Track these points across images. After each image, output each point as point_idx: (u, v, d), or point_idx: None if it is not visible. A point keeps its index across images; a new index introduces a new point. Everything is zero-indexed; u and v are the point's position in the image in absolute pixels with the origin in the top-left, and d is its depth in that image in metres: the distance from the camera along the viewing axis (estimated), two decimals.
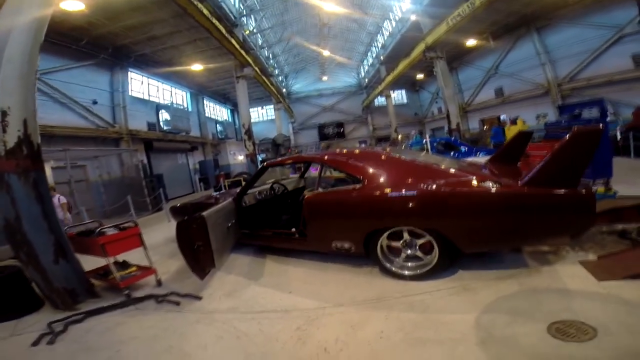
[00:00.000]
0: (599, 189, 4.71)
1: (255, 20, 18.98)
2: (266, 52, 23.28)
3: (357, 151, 4.15)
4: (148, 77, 16.29)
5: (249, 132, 14.81)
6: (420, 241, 3.00)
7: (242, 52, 13.98)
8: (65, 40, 10.95)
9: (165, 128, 16.43)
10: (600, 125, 2.70)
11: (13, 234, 3.24)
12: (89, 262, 3.77)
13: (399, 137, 22.83)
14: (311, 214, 3.47)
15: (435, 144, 10.04)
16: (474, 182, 2.84)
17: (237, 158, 21.87)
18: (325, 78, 30.58)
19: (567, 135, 2.47)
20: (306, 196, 3.53)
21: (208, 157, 20.77)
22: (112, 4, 10.11)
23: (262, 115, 31.38)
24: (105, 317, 3.06)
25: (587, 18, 13.63)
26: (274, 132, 25.78)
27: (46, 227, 3.37)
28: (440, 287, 2.79)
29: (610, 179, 4.95)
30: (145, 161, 14.18)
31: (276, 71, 27.06)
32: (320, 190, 3.61)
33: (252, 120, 16.77)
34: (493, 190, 2.70)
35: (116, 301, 3.30)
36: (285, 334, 2.37)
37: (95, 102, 12.44)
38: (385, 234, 3.09)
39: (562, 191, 2.47)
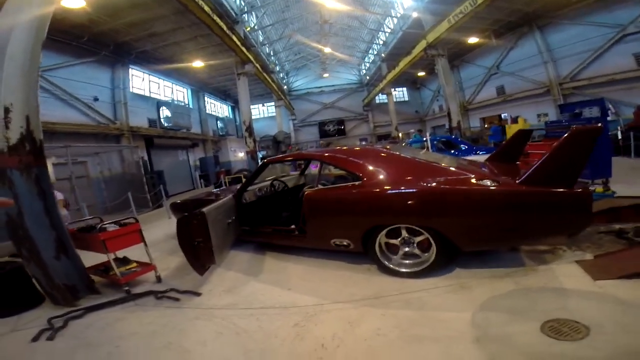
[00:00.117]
0: (598, 188, 4.73)
1: (257, 17, 18.94)
2: (267, 49, 23.23)
3: (356, 149, 4.17)
4: (149, 74, 16.29)
5: (249, 129, 14.82)
6: (418, 239, 3.02)
7: (243, 49, 13.95)
8: (66, 37, 10.94)
9: (166, 125, 16.44)
10: (599, 124, 2.71)
11: (15, 230, 3.26)
12: (90, 258, 3.79)
13: (400, 135, 22.85)
14: (311, 210, 3.49)
15: (435, 142, 10.04)
16: (473, 180, 2.86)
17: (238, 155, 21.90)
18: (326, 75, 30.51)
19: (566, 134, 2.48)
20: (306, 193, 3.55)
21: (209, 153, 20.80)
22: (113, 1, 10.10)
23: (262, 112, 31.35)
24: (105, 312, 3.09)
25: (590, 17, 13.59)
26: (275, 129, 25.80)
27: (48, 223, 3.39)
28: (438, 285, 2.81)
29: (609, 179, 4.96)
30: (146, 158, 14.22)
31: (277, 68, 27.00)
32: (320, 187, 3.63)
33: (253, 117, 16.78)
34: (491, 188, 2.71)
35: (116, 297, 3.33)
36: (284, 330, 2.40)
37: (96, 99, 12.45)
38: (384, 232, 3.11)
39: (558, 190, 2.49)
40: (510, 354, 1.85)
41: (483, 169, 3.54)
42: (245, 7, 16.90)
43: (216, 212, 3.60)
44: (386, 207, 3.09)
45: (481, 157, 5.65)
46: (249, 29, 17.17)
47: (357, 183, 3.29)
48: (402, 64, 19.32)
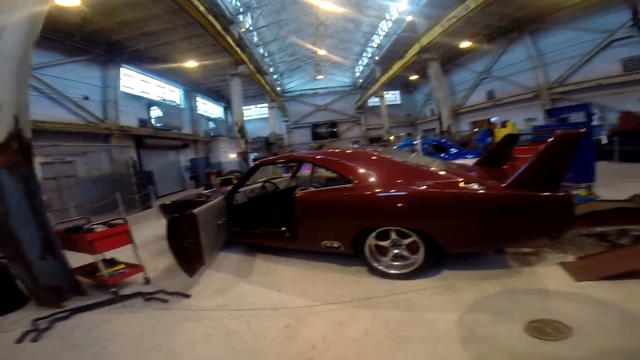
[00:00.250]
0: (581, 192, 4.85)
1: (252, 17, 18.90)
2: (261, 50, 23.19)
3: (348, 151, 4.20)
4: (141, 73, 16.09)
5: (241, 130, 14.76)
6: (406, 241, 3.06)
7: (238, 49, 13.91)
8: (58, 35, 10.78)
9: (156, 125, 16.25)
10: (583, 129, 2.80)
11: (0, 230, 3.20)
12: (76, 259, 3.73)
13: (391, 138, 23.05)
14: (302, 212, 3.51)
15: (426, 146, 10.16)
16: (461, 184, 2.92)
17: (229, 156, 21.75)
18: (320, 77, 30.58)
19: (550, 139, 2.55)
20: (298, 195, 3.57)
21: (199, 154, 20.61)
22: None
23: (255, 113, 31.19)
24: (92, 314, 3.05)
25: (580, 22, 13.78)
26: (267, 130, 25.74)
27: (34, 224, 3.33)
28: (426, 286, 2.86)
29: (592, 183, 5.09)
30: (136, 158, 14.01)
31: (271, 69, 26.96)
32: (311, 189, 3.65)
33: (246, 118, 16.74)
34: (478, 192, 2.77)
35: (103, 299, 3.28)
36: (274, 332, 2.41)
37: (86, 98, 12.26)
38: (374, 234, 3.15)
39: (542, 194, 2.56)
40: (495, 354, 1.90)
41: (471, 172, 3.61)
42: (241, 8, 16.86)
43: (207, 213, 3.58)
44: (376, 210, 3.12)
45: (470, 161, 5.74)
46: (243, 29, 17.13)
47: (348, 186, 3.32)
48: (396, 67, 19.50)
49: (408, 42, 17.19)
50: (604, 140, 10.33)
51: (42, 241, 3.37)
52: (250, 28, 18.92)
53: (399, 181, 3.15)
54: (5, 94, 3.17)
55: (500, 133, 12.05)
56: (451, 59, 21.43)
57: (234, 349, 2.24)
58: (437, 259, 3.07)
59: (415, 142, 10.81)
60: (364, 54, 28.18)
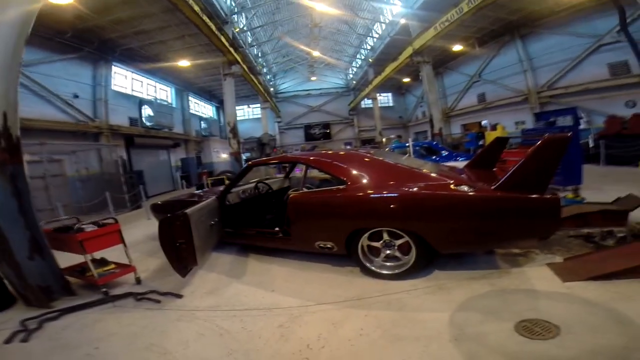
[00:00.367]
0: (568, 195, 4.97)
1: (246, 18, 18.83)
2: (255, 50, 23.11)
3: (341, 153, 4.23)
4: (133, 72, 15.89)
5: (234, 131, 14.67)
6: (399, 242, 3.10)
7: (231, 49, 13.84)
8: (49, 32, 10.59)
9: (147, 124, 16.05)
10: (570, 133, 2.88)
11: None
12: (65, 259, 3.68)
13: (384, 140, 23.23)
14: (296, 213, 3.52)
15: (417, 148, 10.27)
16: (451, 186, 2.97)
17: (221, 156, 21.61)
18: (313, 78, 30.65)
19: (538, 142, 2.62)
20: (291, 196, 3.58)
21: (190, 154, 20.43)
22: None
23: (248, 113, 31.10)
24: (82, 314, 3.01)
25: (570, 27, 14.02)
26: (260, 130, 25.62)
27: (22, 223, 3.27)
28: (417, 286, 2.90)
29: (579, 186, 5.23)
30: (126, 157, 13.82)
31: (264, 70, 26.89)
32: (305, 190, 3.67)
33: (238, 118, 16.65)
34: (468, 194, 2.83)
35: (93, 299, 3.24)
36: (268, 331, 2.41)
37: (76, 96, 12.05)
38: (366, 235, 3.18)
39: (530, 196, 2.63)
40: (486, 353, 1.94)
41: (461, 175, 3.68)
42: (235, 8, 16.79)
43: (199, 214, 3.56)
44: (369, 211, 3.16)
45: (460, 164, 5.84)
46: (238, 29, 17.05)
47: (341, 187, 3.35)
48: (389, 69, 19.65)
49: (401, 45, 17.34)
50: (590, 143, 10.59)
51: (30, 241, 3.31)
52: (245, 28, 18.86)
53: (391, 183, 3.19)
54: None
55: (490, 136, 12.30)
56: (443, 62, 21.70)
57: (228, 349, 2.24)
58: (428, 259, 3.12)
59: (407, 145, 10.92)
60: (358, 56, 28.33)
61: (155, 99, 17.83)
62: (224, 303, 2.97)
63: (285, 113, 31.11)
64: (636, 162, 8.40)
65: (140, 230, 6.59)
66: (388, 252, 3.16)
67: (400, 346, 2.09)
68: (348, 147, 28.23)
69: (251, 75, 18.26)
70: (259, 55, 24.67)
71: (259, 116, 27.46)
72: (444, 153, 9.94)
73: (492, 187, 2.80)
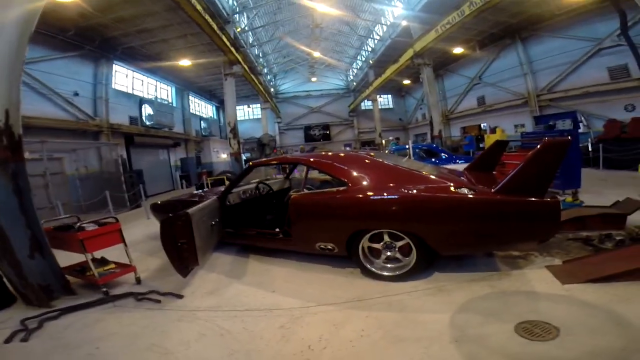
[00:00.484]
0: (567, 198, 5.00)
1: (248, 18, 18.86)
2: (256, 50, 23.15)
3: (341, 154, 4.24)
4: (134, 71, 15.90)
5: (234, 131, 14.69)
6: (399, 243, 3.11)
7: (233, 49, 13.86)
8: (51, 30, 10.61)
9: (147, 123, 16.05)
10: (569, 136, 2.90)
11: None
12: (64, 258, 3.67)
13: (383, 142, 23.29)
14: (297, 214, 3.52)
15: (417, 150, 10.30)
16: (451, 189, 2.99)
17: (220, 156, 21.62)
18: (314, 79, 30.68)
19: (537, 146, 2.64)
20: (292, 197, 3.59)
21: (190, 154, 20.43)
22: None
23: (248, 113, 31.12)
24: (82, 314, 3.00)
25: (570, 30, 14.08)
26: (260, 131, 25.65)
27: (23, 221, 3.28)
28: (418, 288, 2.91)
29: (578, 190, 5.26)
30: (125, 156, 13.81)
31: (265, 70, 26.92)
32: (306, 191, 3.68)
33: (238, 119, 16.65)
34: (468, 196, 2.85)
35: (93, 298, 3.24)
36: (269, 332, 2.42)
37: (76, 94, 12.06)
38: (367, 236, 3.19)
39: (530, 199, 2.64)
40: (487, 354, 1.95)
41: (461, 177, 3.69)
42: (237, 8, 16.82)
43: (200, 214, 3.57)
44: (370, 213, 3.17)
45: (460, 166, 5.86)
46: (239, 29, 17.08)
47: (342, 188, 3.36)
48: (389, 71, 19.70)
49: (402, 47, 17.39)
50: (589, 147, 10.63)
51: (31, 239, 3.32)
52: (246, 28, 18.88)
53: (392, 185, 3.21)
54: None
55: (489, 139, 12.33)
56: (444, 65, 21.76)
57: (229, 349, 2.24)
58: (428, 261, 3.13)
59: (407, 147, 10.94)
60: (358, 58, 28.39)
61: (156, 98, 17.84)
62: (225, 303, 2.98)
63: (285, 114, 31.14)
64: (635, 166, 8.43)
65: (140, 229, 6.59)
66: (389, 253, 3.18)
67: (401, 347, 2.10)
68: (347, 148, 28.30)
69: (252, 76, 18.29)
70: (260, 55, 24.70)
71: (259, 116, 27.48)
72: (444, 156, 9.97)
73: (493, 190, 2.82)
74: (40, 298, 3.23)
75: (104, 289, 3.36)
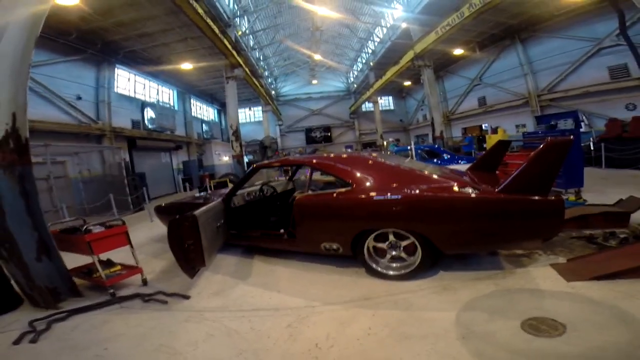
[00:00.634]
0: (570, 197, 5.01)
1: (249, 21, 18.97)
2: (257, 53, 23.27)
3: (344, 156, 4.27)
4: (135, 74, 16.00)
5: (236, 133, 14.74)
6: (404, 243, 3.13)
7: (234, 52, 13.94)
8: (54, 33, 10.70)
9: (150, 126, 16.13)
10: (571, 136, 2.92)
11: None
12: (69, 260, 3.69)
13: (384, 143, 23.34)
14: (301, 215, 3.55)
15: (419, 151, 10.32)
16: (455, 188, 3.01)
17: (222, 159, 21.66)
18: (315, 82, 30.78)
19: (541, 146, 2.66)
20: (297, 198, 3.62)
21: (192, 156, 20.49)
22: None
23: (249, 116, 31.23)
24: (90, 315, 3.03)
25: (570, 30, 14.12)
26: (261, 133, 25.74)
27: (30, 224, 3.30)
28: (423, 287, 2.93)
29: (581, 188, 5.27)
30: (128, 159, 13.88)
31: (266, 73, 27.03)
32: (310, 192, 3.70)
33: (240, 121, 16.70)
34: (472, 195, 2.87)
35: (101, 300, 3.26)
36: (277, 332, 2.43)
37: (79, 98, 12.14)
38: (372, 236, 3.21)
39: (534, 198, 2.66)
40: (493, 350, 1.96)
41: (464, 177, 3.71)
42: (238, 11, 16.92)
43: (206, 215, 3.60)
44: (375, 213, 3.19)
45: (462, 167, 5.88)
46: (240, 33, 17.17)
47: (347, 189, 3.38)
48: (390, 73, 19.76)
49: (402, 49, 17.46)
50: (591, 146, 10.63)
51: (38, 242, 3.34)
52: (247, 31, 18.99)
53: (396, 185, 3.23)
54: (5, 91, 3.16)
55: (491, 139, 12.36)
56: (444, 66, 21.82)
57: (238, 349, 2.26)
58: (433, 260, 3.14)
59: (408, 148, 10.98)
60: (359, 60, 28.48)
61: (158, 101, 17.94)
62: (231, 304, 3.00)
63: (286, 116, 31.23)
64: (637, 165, 8.43)
65: (144, 232, 6.62)
66: (394, 253, 3.19)
67: (408, 344, 2.11)
68: (349, 150, 28.34)
69: (253, 79, 18.37)
70: (261, 58, 24.83)
71: (261, 119, 27.58)
72: (446, 156, 10.00)
73: (496, 190, 2.84)
74: (48, 300, 3.25)
75: (111, 291, 3.39)
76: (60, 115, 11.32)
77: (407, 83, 25.25)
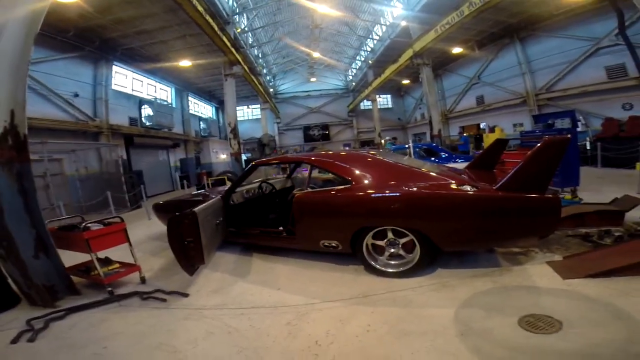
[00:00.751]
0: (566, 196, 5.05)
1: (248, 18, 18.87)
2: (256, 51, 23.16)
3: (343, 153, 4.28)
4: (133, 72, 15.89)
5: (234, 131, 14.69)
6: (403, 240, 3.15)
7: (233, 50, 13.86)
8: (51, 30, 10.59)
9: (147, 124, 16.05)
10: (568, 135, 2.95)
11: None
12: (68, 258, 3.68)
13: (383, 141, 23.37)
14: (301, 212, 3.56)
15: (417, 150, 10.35)
16: (453, 186, 3.03)
17: (220, 156, 21.60)
18: (313, 80, 30.70)
19: (538, 145, 2.69)
20: (296, 195, 3.62)
21: (190, 154, 20.42)
22: None
23: (247, 114, 31.12)
24: (88, 313, 3.02)
25: (568, 30, 14.12)
26: (259, 131, 25.67)
27: (28, 221, 3.29)
28: (422, 284, 2.95)
29: (577, 187, 5.31)
30: (125, 157, 13.81)
31: (264, 70, 26.93)
32: (309, 190, 3.71)
33: (238, 119, 16.64)
34: (470, 193, 2.89)
35: (99, 298, 3.25)
36: (276, 329, 2.44)
37: (76, 95, 12.05)
38: (371, 233, 3.23)
39: (531, 196, 2.69)
40: (491, 347, 1.98)
41: (462, 175, 3.74)
42: (237, 8, 16.83)
43: (205, 212, 3.60)
44: (374, 210, 3.21)
45: (460, 165, 5.91)
46: (239, 30, 17.09)
47: (346, 186, 3.40)
48: (388, 71, 19.72)
49: (401, 47, 17.43)
50: (587, 146, 10.70)
51: (36, 239, 3.32)
52: (246, 29, 18.90)
53: (395, 182, 3.24)
54: (3, 88, 3.14)
55: (488, 138, 12.41)
56: (443, 64, 21.82)
57: (238, 347, 2.27)
58: (431, 257, 3.17)
59: (405, 146, 11.00)
60: (358, 58, 28.43)
61: (155, 98, 17.83)
62: (231, 301, 3.00)
63: (284, 114, 31.14)
64: (632, 164, 8.49)
65: (142, 230, 6.60)
66: (392, 250, 3.22)
67: (407, 341, 2.13)
68: (347, 148, 28.34)
69: (252, 76, 18.30)
70: (260, 56, 24.72)
71: (259, 117, 27.47)
72: (444, 155, 10.03)
73: (495, 187, 2.86)
74: (45, 298, 3.24)
75: (109, 289, 3.38)
76: (57, 112, 11.23)
77: (406, 81, 25.23)
